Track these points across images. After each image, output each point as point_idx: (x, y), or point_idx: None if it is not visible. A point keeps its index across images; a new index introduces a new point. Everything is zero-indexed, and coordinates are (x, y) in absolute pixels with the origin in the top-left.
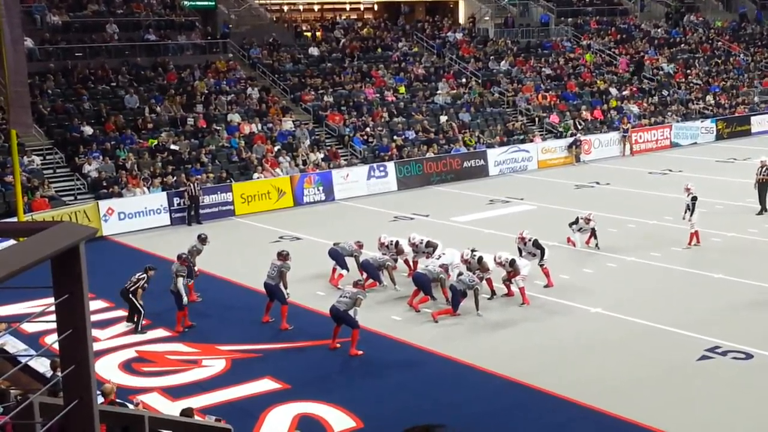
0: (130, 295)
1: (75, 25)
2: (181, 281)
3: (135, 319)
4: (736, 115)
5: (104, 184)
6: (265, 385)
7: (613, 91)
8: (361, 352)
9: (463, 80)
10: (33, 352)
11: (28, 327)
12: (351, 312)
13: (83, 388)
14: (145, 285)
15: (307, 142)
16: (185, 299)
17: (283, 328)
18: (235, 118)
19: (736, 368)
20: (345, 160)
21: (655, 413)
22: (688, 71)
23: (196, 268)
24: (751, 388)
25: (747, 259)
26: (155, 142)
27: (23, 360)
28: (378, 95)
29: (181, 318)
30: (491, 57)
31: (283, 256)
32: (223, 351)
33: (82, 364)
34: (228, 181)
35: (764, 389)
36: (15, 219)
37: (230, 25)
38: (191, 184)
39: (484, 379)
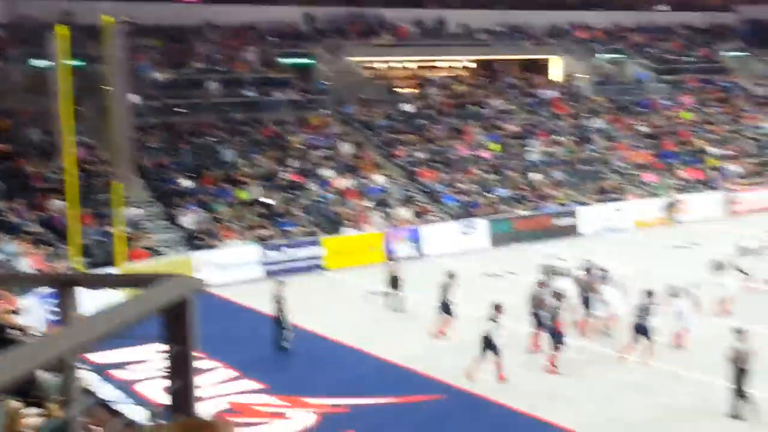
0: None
1: (178, 82)
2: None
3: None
4: None
5: (199, 236)
6: None
7: (713, 150)
8: None
9: (557, 138)
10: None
11: (121, 374)
12: None
13: None
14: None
15: (399, 197)
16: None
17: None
18: (327, 173)
19: None
20: (436, 216)
21: None
22: None
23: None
24: None
25: None
26: (248, 195)
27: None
28: (471, 152)
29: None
30: (585, 115)
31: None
32: (311, 404)
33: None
34: (318, 235)
35: None
36: (114, 268)
37: (326, 82)
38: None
39: None
